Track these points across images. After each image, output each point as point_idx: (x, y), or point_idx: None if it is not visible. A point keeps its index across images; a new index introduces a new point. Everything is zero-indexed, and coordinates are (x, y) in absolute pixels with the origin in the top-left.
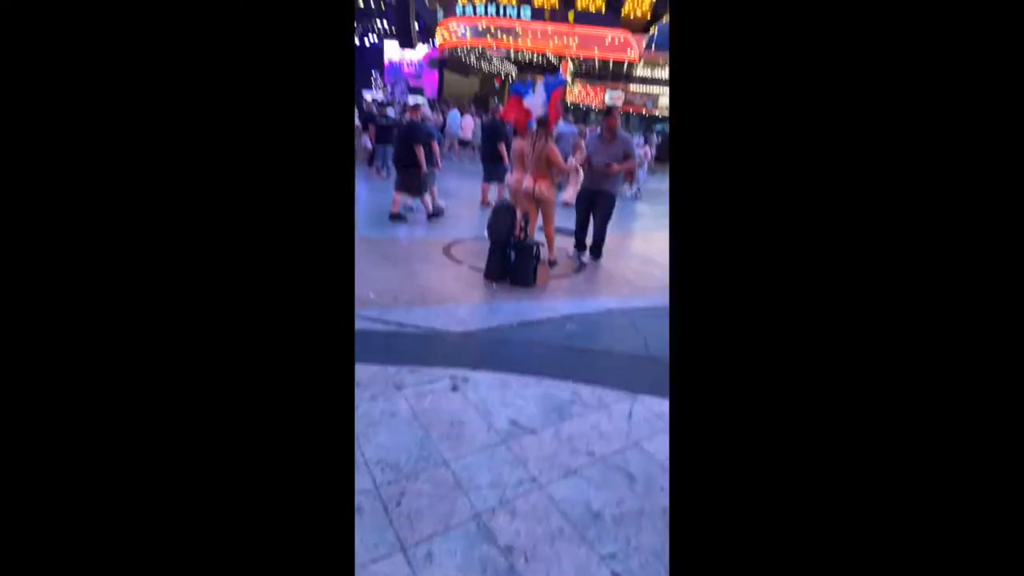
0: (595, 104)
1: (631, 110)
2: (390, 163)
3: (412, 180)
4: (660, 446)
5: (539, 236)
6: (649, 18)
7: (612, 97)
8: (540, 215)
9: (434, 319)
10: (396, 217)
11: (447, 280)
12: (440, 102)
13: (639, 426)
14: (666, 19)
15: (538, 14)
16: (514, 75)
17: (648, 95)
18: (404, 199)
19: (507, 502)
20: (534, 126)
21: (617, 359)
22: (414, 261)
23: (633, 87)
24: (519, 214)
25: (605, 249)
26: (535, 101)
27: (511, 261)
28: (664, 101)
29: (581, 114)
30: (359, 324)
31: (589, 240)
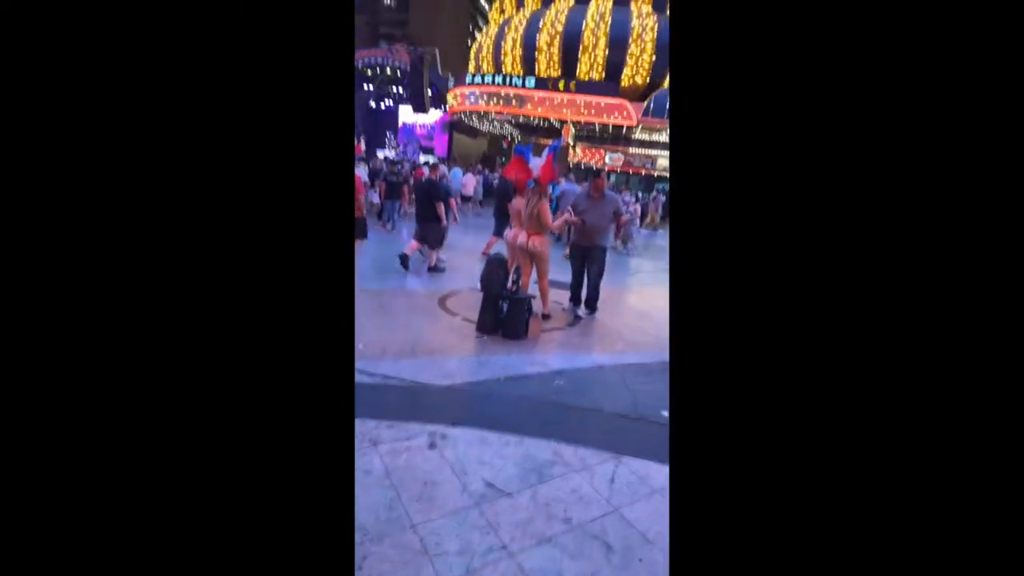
0: (596, 164)
1: (631, 170)
2: (396, 217)
3: (431, 233)
4: (641, 513)
5: (534, 289)
6: (646, 87)
7: (612, 159)
8: (535, 269)
9: (420, 372)
10: (404, 258)
11: (439, 332)
12: (448, 161)
13: (621, 491)
14: (664, 87)
15: (542, 83)
16: (519, 137)
17: (647, 156)
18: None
19: (474, 572)
20: (532, 185)
21: (604, 418)
22: (408, 312)
23: (633, 149)
24: (512, 267)
25: (600, 303)
26: (538, 163)
27: (503, 313)
28: (662, 163)
29: (582, 174)
30: None
31: (584, 294)
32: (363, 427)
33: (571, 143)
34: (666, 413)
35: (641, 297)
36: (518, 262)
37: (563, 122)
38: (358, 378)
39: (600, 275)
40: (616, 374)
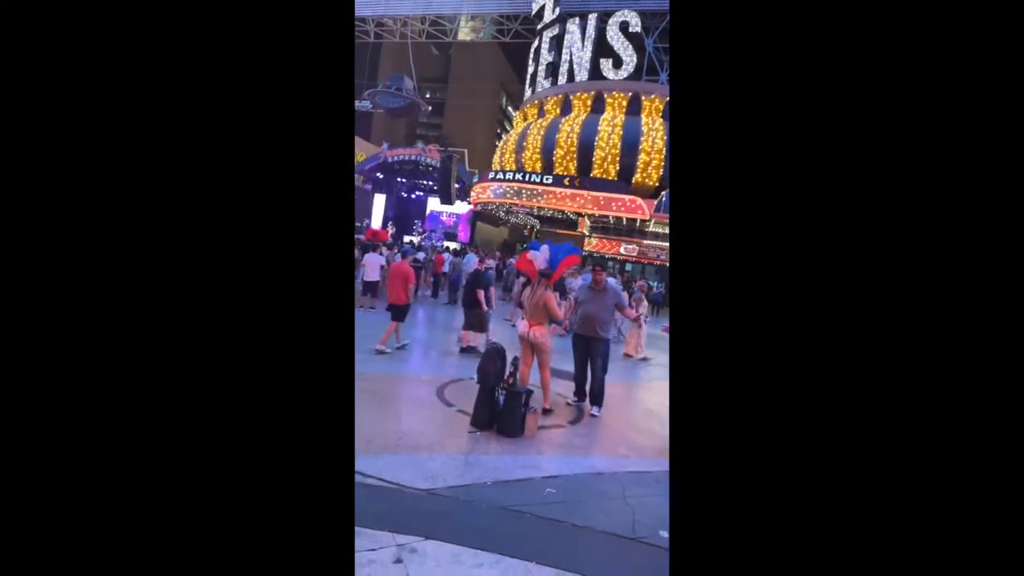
0: (610, 255)
1: (646, 260)
2: (418, 300)
3: (476, 319)
4: None
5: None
6: (657, 186)
7: (627, 249)
8: (536, 360)
9: (401, 471)
10: (467, 350)
11: (430, 425)
12: (469, 246)
13: None
14: None
15: (559, 179)
16: (538, 227)
17: (661, 248)
18: (470, 335)
19: None
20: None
21: (595, 537)
22: (402, 401)
23: (647, 241)
24: (510, 357)
25: (606, 398)
26: (539, 257)
27: (499, 407)
28: None
29: (598, 263)
30: None
31: (588, 388)
32: None
33: (587, 234)
34: (665, 534)
35: (650, 392)
36: (520, 352)
37: (579, 214)
38: None
39: (604, 368)
40: (615, 484)
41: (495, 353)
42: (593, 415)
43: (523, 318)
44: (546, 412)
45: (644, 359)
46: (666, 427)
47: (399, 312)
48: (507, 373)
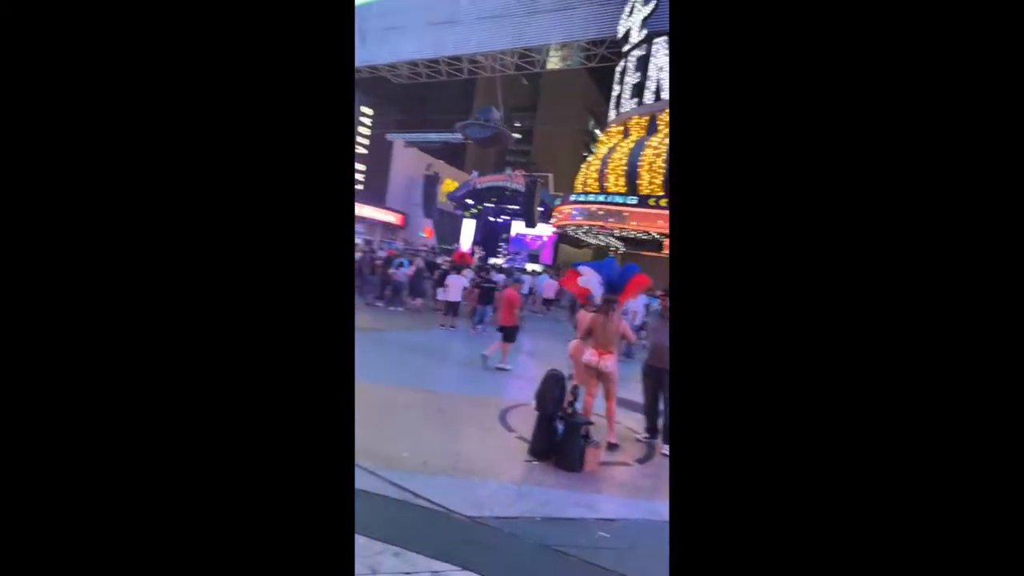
0: None
1: None
2: (486, 320)
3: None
4: None
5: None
6: None
7: None
8: (602, 390)
9: (451, 495)
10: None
11: (488, 450)
12: (551, 268)
13: None
14: None
15: (643, 200)
16: (621, 249)
17: None
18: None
19: None
20: (596, 300)
21: None
22: (464, 422)
23: None
24: (572, 384)
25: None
26: (591, 281)
27: (558, 437)
28: None
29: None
30: (375, 484)
31: (662, 423)
32: (369, 548)
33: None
34: None
35: None
36: (581, 380)
37: (664, 235)
38: (384, 489)
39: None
40: None
41: (553, 379)
42: (664, 455)
43: (576, 341)
44: (611, 447)
45: None
46: None
47: (509, 333)
48: (566, 401)
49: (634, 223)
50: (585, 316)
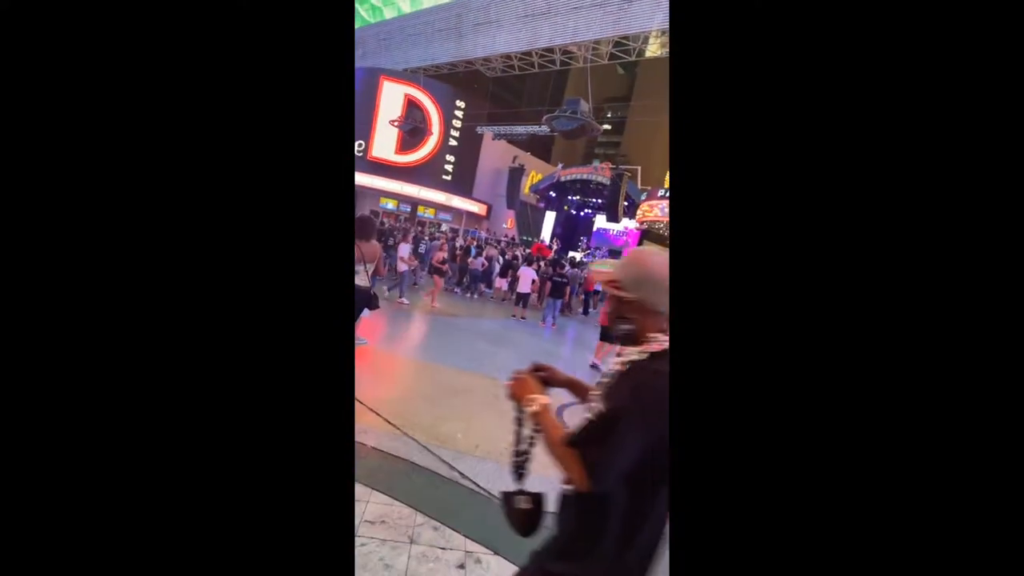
0: None
1: None
2: (556, 313)
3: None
4: None
5: None
6: None
7: None
8: None
9: (498, 480)
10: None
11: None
12: None
13: None
14: None
15: None
16: None
17: None
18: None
19: None
20: None
21: None
22: None
23: None
24: None
25: None
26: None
27: None
28: None
29: None
30: (428, 460)
31: None
32: (412, 519)
33: None
34: None
35: None
36: None
37: None
38: (436, 466)
39: None
40: None
41: None
42: None
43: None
44: None
45: None
46: None
47: (605, 332)
48: None
49: None
50: None
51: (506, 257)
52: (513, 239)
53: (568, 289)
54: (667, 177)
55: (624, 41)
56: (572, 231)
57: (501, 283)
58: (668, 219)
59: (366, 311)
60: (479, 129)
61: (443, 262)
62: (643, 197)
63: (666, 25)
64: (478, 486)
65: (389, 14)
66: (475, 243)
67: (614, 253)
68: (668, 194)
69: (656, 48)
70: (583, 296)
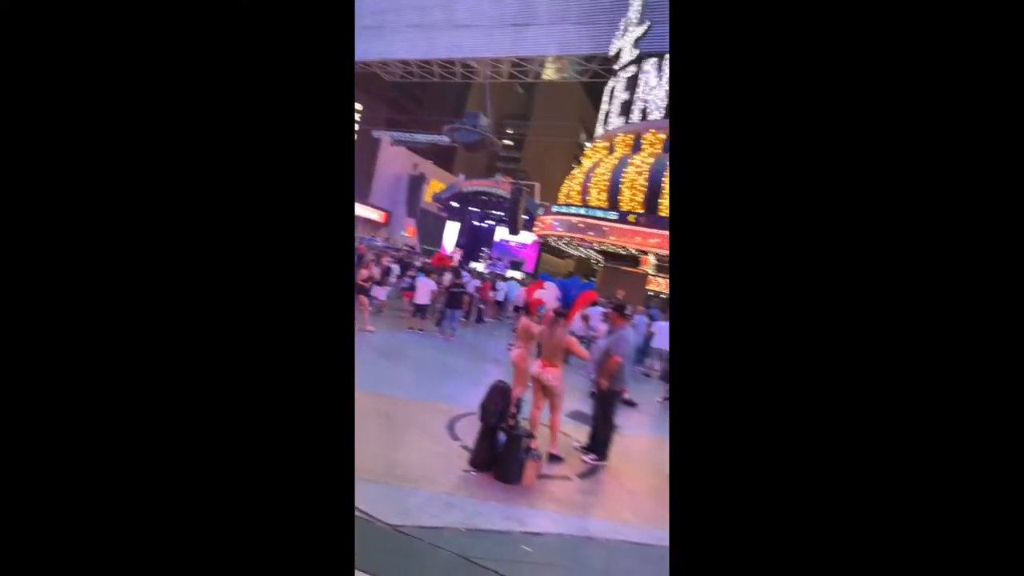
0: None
1: None
2: (455, 325)
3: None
4: None
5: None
6: None
7: None
8: (548, 404)
9: (379, 502)
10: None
11: (428, 458)
12: (531, 276)
13: None
14: None
15: (623, 216)
16: (602, 262)
17: None
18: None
19: None
20: (544, 311)
21: None
22: (409, 429)
23: None
24: (517, 393)
25: (629, 454)
26: (547, 295)
27: (499, 449)
28: None
29: (662, 303)
30: None
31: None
32: None
33: (650, 273)
34: None
35: None
36: (522, 386)
37: (642, 252)
38: None
39: (606, 417)
40: (602, 552)
41: (498, 391)
42: (585, 461)
43: (518, 348)
44: (554, 459)
45: None
46: None
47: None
48: (510, 412)
49: (613, 238)
50: (531, 325)
51: (399, 266)
52: (412, 248)
53: (467, 299)
54: (563, 193)
55: (523, 62)
56: (475, 242)
57: (379, 292)
58: (562, 233)
59: None
60: (375, 133)
61: (367, 280)
62: (540, 212)
63: (558, 52)
64: (359, 510)
65: None
66: (364, 251)
67: (515, 264)
68: (566, 211)
69: (551, 72)
70: (479, 307)
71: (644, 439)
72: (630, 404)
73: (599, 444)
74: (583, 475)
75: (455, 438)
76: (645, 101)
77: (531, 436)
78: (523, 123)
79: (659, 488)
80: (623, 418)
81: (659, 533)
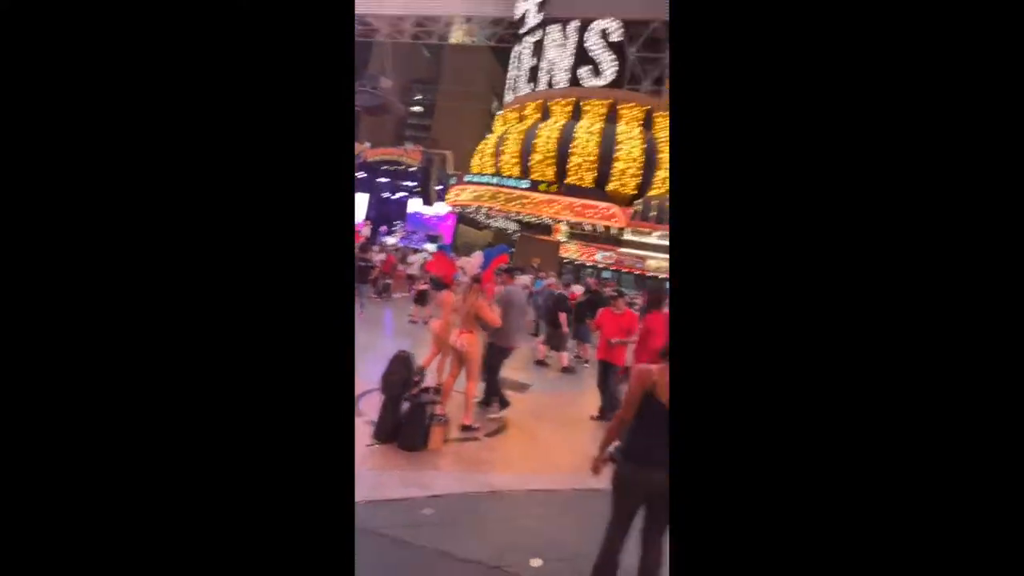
0: (588, 262)
1: (623, 268)
2: (363, 300)
3: (556, 339)
4: None
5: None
6: (634, 194)
7: (604, 257)
8: (464, 371)
9: None
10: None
11: None
12: (449, 247)
13: None
14: (650, 193)
15: (535, 185)
16: (518, 231)
17: (637, 257)
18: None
19: None
20: (460, 279)
21: (448, 567)
22: None
23: (623, 249)
24: (429, 362)
25: (531, 410)
26: (471, 262)
27: (401, 418)
28: (652, 263)
29: (575, 270)
30: None
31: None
32: None
33: (562, 240)
34: (535, 562)
35: (575, 405)
36: (441, 356)
37: (556, 220)
38: None
39: (492, 371)
40: (509, 504)
41: (400, 360)
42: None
43: (437, 319)
44: (466, 428)
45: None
46: (596, 441)
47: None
48: (413, 381)
49: (526, 207)
50: (448, 295)
51: None
52: None
53: (376, 272)
54: (475, 162)
55: (427, 22)
56: (386, 215)
57: None
58: (475, 203)
59: None
60: None
61: None
62: (453, 181)
63: (462, 11)
64: None
65: None
66: None
67: (432, 237)
68: (479, 180)
69: (460, 35)
70: (387, 281)
71: (548, 394)
72: (542, 364)
73: (490, 394)
74: (491, 435)
75: (358, 414)
76: (550, 68)
77: (435, 402)
78: (432, 88)
79: (572, 437)
80: (535, 376)
81: (562, 478)
